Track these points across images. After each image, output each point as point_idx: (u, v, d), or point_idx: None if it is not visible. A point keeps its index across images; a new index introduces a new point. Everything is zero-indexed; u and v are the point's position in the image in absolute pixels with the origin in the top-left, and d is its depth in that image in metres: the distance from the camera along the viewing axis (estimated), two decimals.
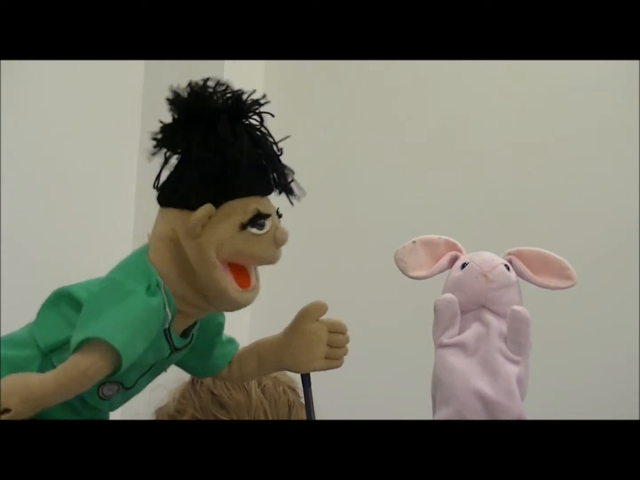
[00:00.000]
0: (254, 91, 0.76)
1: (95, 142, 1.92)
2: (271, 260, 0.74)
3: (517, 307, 0.81)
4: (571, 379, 1.86)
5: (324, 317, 0.81)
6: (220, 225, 0.72)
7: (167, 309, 0.72)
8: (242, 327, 1.93)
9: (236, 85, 0.78)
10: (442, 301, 0.84)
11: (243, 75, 0.79)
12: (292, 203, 0.77)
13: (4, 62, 1.58)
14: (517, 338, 0.80)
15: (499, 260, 0.86)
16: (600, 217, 1.93)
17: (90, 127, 1.91)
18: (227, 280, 0.73)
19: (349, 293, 1.99)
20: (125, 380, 0.74)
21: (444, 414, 0.81)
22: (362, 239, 2.08)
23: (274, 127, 0.74)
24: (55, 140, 1.84)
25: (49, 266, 1.74)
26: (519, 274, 0.86)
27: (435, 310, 0.84)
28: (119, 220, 1.98)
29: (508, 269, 0.86)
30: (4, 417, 0.66)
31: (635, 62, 1.83)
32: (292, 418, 1.05)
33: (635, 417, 1.57)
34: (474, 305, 0.84)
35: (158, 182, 0.76)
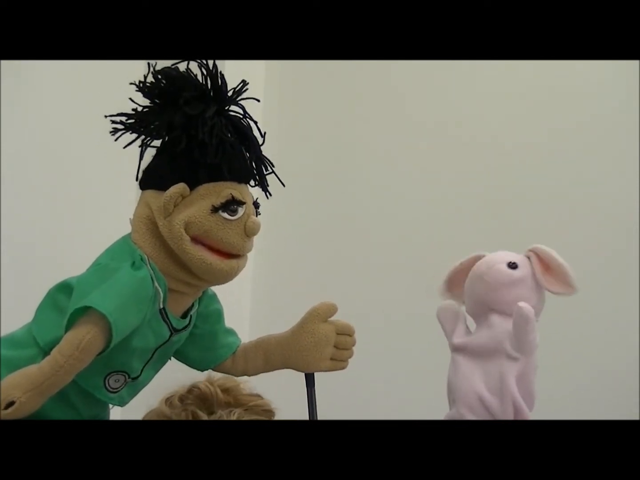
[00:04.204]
0: (243, 82, 0.76)
1: (95, 142, 1.92)
2: (239, 249, 0.74)
3: (520, 304, 0.80)
4: (571, 379, 1.85)
5: (332, 318, 0.81)
6: (193, 205, 0.73)
7: (157, 284, 0.72)
8: (242, 327, 1.93)
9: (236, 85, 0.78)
10: (439, 309, 0.85)
11: (243, 75, 0.79)
12: (267, 195, 0.77)
13: (4, 62, 1.58)
14: (517, 334, 0.80)
15: (502, 259, 0.85)
16: (600, 216, 1.93)
17: (90, 127, 1.91)
18: (202, 251, 0.73)
19: (349, 290, 1.99)
20: (130, 369, 0.74)
21: (449, 415, 0.82)
22: (363, 236, 2.08)
23: (275, 126, 0.74)
24: (55, 140, 1.84)
25: (49, 266, 1.73)
26: (534, 271, 0.85)
27: (438, 319, 0.85)
28: (119, 220, 1.97)
29: (515, 266, 0.84)
30: (11, 410, 0.66)
31: (635, 62, 1.84)
32: None
33: (635, 417, 1.57)
34: (481, 308, 0.84)
35: (138, 174, 0.78)
